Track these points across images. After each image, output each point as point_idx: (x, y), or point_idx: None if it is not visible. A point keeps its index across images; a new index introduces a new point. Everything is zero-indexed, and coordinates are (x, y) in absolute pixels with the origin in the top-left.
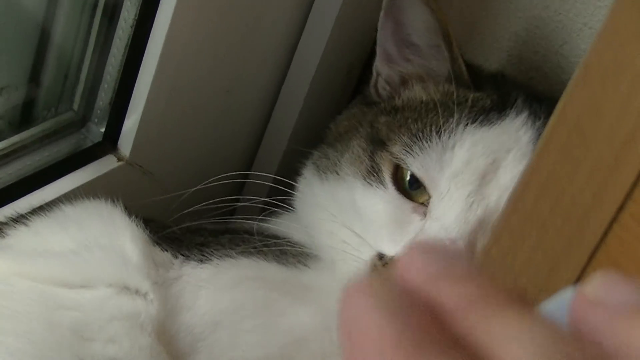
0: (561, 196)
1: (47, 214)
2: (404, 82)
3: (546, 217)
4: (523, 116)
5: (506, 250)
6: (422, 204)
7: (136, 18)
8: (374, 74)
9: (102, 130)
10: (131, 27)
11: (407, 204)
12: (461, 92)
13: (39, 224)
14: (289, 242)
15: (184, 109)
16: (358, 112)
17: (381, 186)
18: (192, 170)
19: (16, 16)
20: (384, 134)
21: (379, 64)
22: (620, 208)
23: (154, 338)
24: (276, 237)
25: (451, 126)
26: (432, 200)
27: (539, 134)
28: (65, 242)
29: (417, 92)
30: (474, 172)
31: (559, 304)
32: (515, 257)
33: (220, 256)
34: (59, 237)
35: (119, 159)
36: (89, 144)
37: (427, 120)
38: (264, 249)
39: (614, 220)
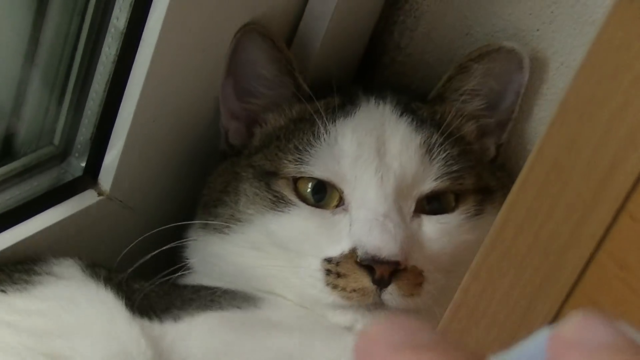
0: (539, 233)
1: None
2: (253, 122)
3: (524, 254)
4: (372, 98)
5: (484, 287)
6: (336, 206)
7: (118, 53)
8: (222, 132)
9: (83, 164)
10: (112, 62)
11: (324, 212)
12: (311, 105)
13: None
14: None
15: (166, 144)
16: (229, 165)
17: (293, 207)
18: (174, 206)
19: None
20: (269, 166)
21: (224, 122)
22: (598, 246)
23: None
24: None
25: (323, 129)
26: (345, 194)
27: (395, 105)
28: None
29: (273, 122)
30: (368, 150)
31: (536, 344)
32: (494, 294)
33: (191, 312)
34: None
35: (100, 194)
36: (70, 178)
37: (300, 133)
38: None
39: (591, 257)
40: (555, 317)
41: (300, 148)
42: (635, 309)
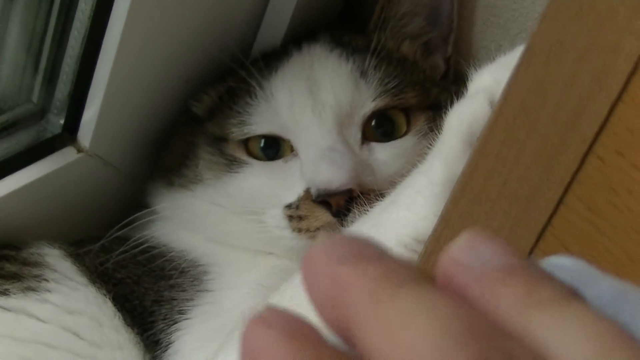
0: (508, 178)
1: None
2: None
3: (494, 199)
4: (304, 43)
5: (455, 233)
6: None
7: (93, 9)
8: None
9: (62, 121)
10: (88, 18)
11: (277, 163)
12: (242, 71)
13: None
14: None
15: (144, 99)
16: (186, 132)
17: (246, 166)
18: (153, 161)
19: None
20: (218, 131)
21: None
22: (566, 189)
23: None
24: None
25: (257, 87)
26: (292, 141)
27: (327, 42)
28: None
29: (214, 91)
30: (299, 94)
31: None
32: None
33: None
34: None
35: (79, 151)
36: (48, 135)
37: (238, 97)
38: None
39: (560, 201)
40: None
41: (241, 111)
42: (604, 251)
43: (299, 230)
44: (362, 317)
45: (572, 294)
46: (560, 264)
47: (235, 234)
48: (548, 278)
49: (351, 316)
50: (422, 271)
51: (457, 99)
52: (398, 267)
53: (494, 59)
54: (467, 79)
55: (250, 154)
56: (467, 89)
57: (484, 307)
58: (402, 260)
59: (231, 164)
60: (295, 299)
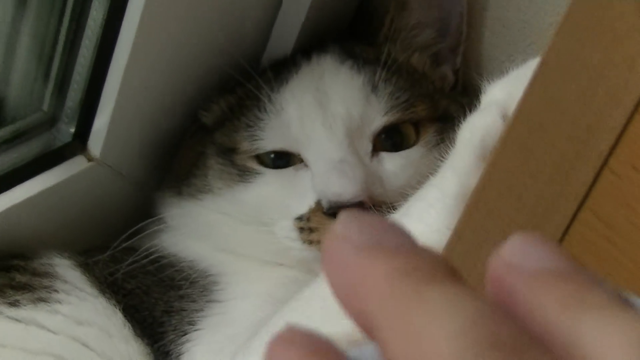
0: (523, 192)
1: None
2: None
3: (508, 213)
4: (313, 55)
5: (469, 247)
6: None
7: (105, 17)
8: None
9: (72, 130)
10: (100, 26)
11: (287, 171)
12: (251, 83)
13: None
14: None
15: (154, 108)
16: (195, 142)
17: (259, 175)
18: (162, 170)
19: None
20: (227, 142)
21: None
22: (581, 204)
23: None
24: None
25: (267, 101)
26: (302, 154)
27: (337, 54)
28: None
29: (222, 102)
30: (309, 107)
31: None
32: (479, 254)
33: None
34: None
35: (89, 160)
36: (59, 144)
37: (247, 110)
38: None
39: (575, 216)
40: None
41: (251, 124)
42: (619, 266)
43: (310, 242)
44: (383, 315)
45: (623, 301)
46: None
47: (245, 244)
48: (600, 284)
49: (372, 312)
50: (449, 264)
51: (470, 112)
52: (424, 259)
53: (506, 71)
54: (480, 91)
55: (262, 163)
56: (479, 102)
57: (530, 309)
58: (427, 251)
59: (244, 174)
60: (307, 312)
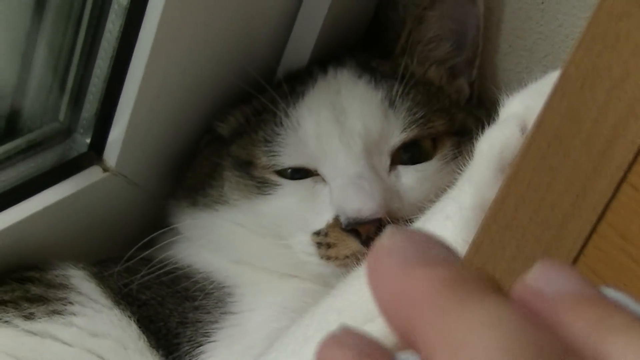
0: (541, 205)
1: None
2: None
3: (526, 226)
4: (330, 68)
5: (486, 259)
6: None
7: (121, 29)
8: None
9: (88, 140)
10: (116, 38)
11: (306, 182)
12: (266, 96)
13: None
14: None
15: (169, 119)
16: (210, 152)
17: (278, 187)
18: (177, 181)
19: (1, 26)
20: (244, 155)
21: None
22: (599, 217)
23: None
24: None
25: (284, 116)
26: (320, 170)
27: (354, 67)
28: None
29: (238, 114)
30: (326, 123)
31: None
32: (496, 266)
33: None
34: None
35: (105, 170)
36: (75, 154)
37: (264, 124)
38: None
39: (593, 229)
40: None
41: (269, 139)
42: (637, 280)
43: (328, 258)
44: (426, 327)
45: None
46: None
47: (261, 256)
48: (621, 306)
49: (415, 324)
50: (491, 277)
51: (488, 125)
52: (467, 271)
53: (523, 82)
54: (497, 103)
55: (280, 174)
56: (497, 115)
57: (557, 331)
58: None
59: (262, 185)
60: (323, 325)
